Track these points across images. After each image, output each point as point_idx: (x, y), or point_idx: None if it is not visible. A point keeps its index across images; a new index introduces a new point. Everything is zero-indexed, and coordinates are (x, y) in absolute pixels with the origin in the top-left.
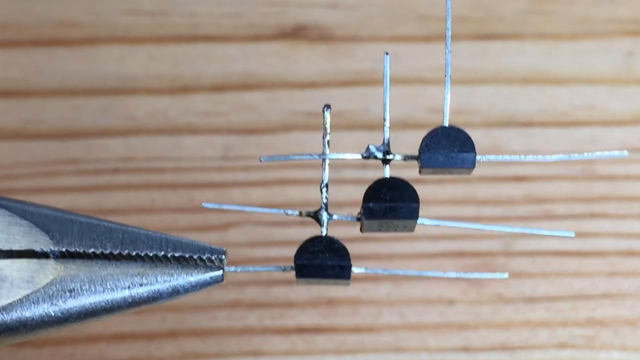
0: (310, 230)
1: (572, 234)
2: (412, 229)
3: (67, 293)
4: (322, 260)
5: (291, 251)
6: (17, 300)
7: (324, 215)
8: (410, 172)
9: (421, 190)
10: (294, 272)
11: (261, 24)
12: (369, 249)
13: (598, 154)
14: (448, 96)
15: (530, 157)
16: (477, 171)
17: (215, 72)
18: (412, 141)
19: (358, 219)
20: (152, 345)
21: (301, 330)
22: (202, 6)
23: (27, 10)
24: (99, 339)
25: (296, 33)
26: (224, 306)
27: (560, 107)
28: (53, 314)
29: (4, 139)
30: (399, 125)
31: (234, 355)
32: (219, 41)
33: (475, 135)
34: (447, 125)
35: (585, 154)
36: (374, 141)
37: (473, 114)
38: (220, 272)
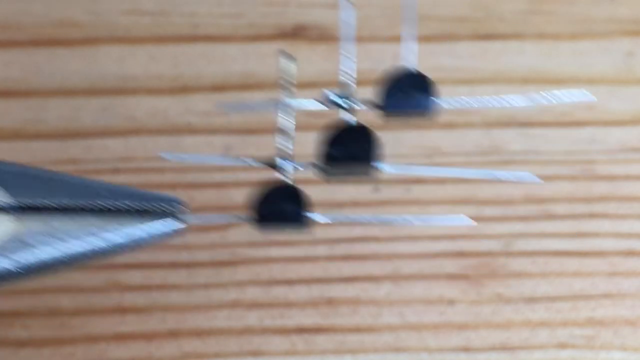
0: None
1: (537, 179)
2: (371, 175)
3: (25, 247)
4: (280, 206)
5: (291, 251)
6: None
7: (279, 162)
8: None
9: (421, 190)
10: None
11: (261, 24)
12: (368, 249)
13: (557, 92)
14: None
15: (496, 102)
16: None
17: (215, 72)
18: (412, 141)
19: (315, 166)
20: (152, 345)
21: (301, 330)
22: (202, 6)
23: (27, 10)
24: (99, 339)
25: (296, 33)
26: (224, 306)
27: (560, 107)
28: (13, 269)
29: (4, 139)
30: (399, 124)
31: (234, 355)
32: (219, 41)
33: (475, 135)
34: (408, 69)
35: (546, 94)
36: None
37: (473, 114)
38: (175, 221)
